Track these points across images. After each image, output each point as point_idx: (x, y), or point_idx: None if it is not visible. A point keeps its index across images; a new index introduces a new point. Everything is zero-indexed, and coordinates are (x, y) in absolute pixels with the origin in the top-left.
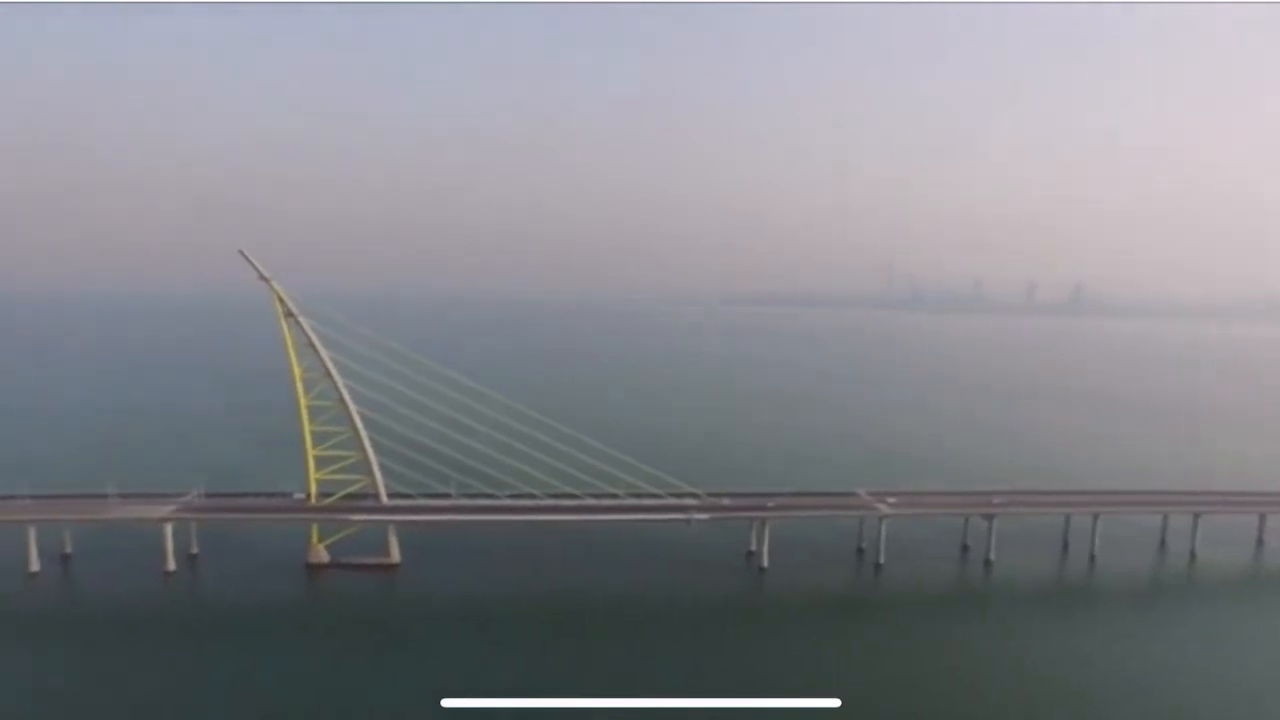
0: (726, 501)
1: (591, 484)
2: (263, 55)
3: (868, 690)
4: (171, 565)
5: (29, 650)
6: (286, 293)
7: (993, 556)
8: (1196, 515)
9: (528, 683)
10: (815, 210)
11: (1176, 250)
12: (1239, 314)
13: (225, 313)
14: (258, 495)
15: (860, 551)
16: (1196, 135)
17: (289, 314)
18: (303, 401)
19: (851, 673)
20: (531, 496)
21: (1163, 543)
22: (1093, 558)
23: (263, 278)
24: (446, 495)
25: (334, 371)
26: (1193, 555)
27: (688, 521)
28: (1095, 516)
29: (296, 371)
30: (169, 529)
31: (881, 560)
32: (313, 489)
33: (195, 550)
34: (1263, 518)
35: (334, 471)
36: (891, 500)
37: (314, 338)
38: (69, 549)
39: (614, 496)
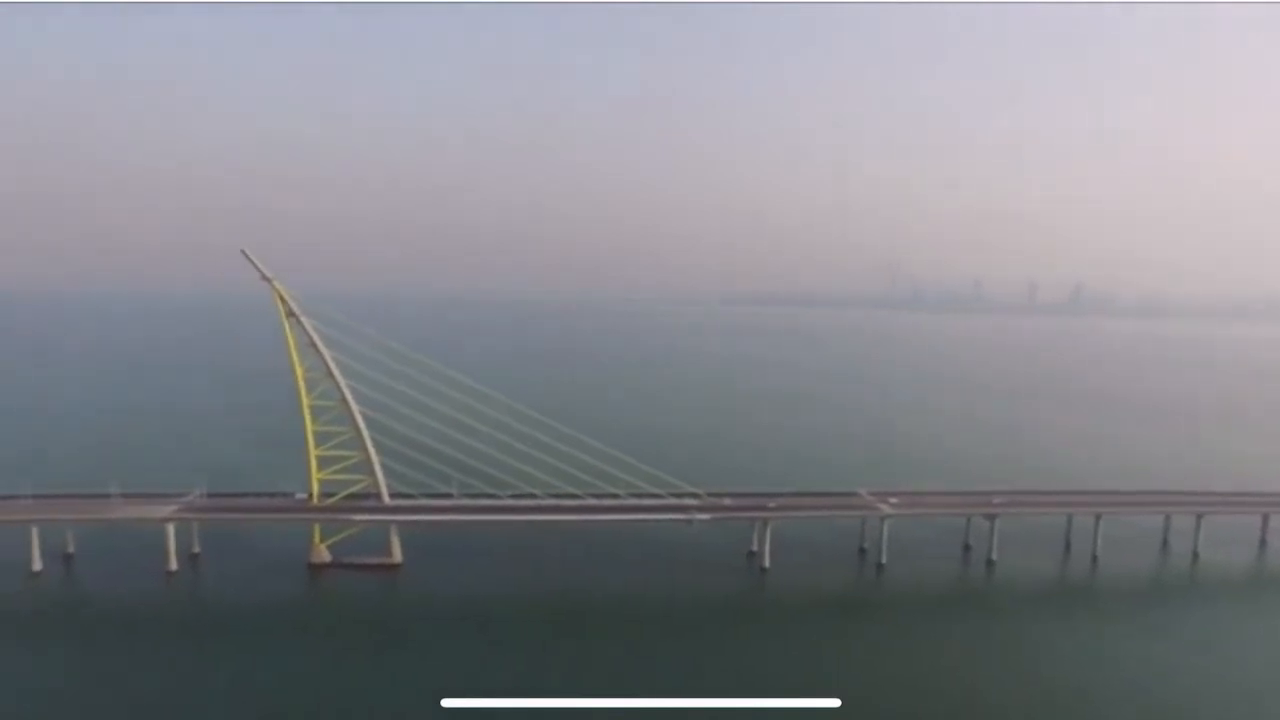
0: (728, 501)
1: (593, 484)
2: (263, 55)
3: (870, 690)
4: (174, 565)
5: (31, 649)
6: (289, 292)
7: (995, 557)
8: (1199, 516)
9: (529, 683)
10: (815, 210)
11: (1177, 250)
12: (1240, 314)
13: (225, 313)
14: (260, 495)
15: (862, 551)
16: (1196, 135)
17: (291, 314)
18: (305, 401)
19: (853, 673)
20: (533, 496)
21: (1165, 543)
22: (1095, 558)
23: (265, 278)
24: (448, 495)
25: (336, 371)
26: (1195, 556)
27: (689, 521)
28: (1097, 517)
29: (299, 371)
30: (171, 529)
31: (883, 560)
32: (315, 489)
33: (197, 550)
34: (1266, 518)
35: (336, 471)
36: (893, 500)
37: (316, 338)
38: (71, 549)
39: (615, 496)
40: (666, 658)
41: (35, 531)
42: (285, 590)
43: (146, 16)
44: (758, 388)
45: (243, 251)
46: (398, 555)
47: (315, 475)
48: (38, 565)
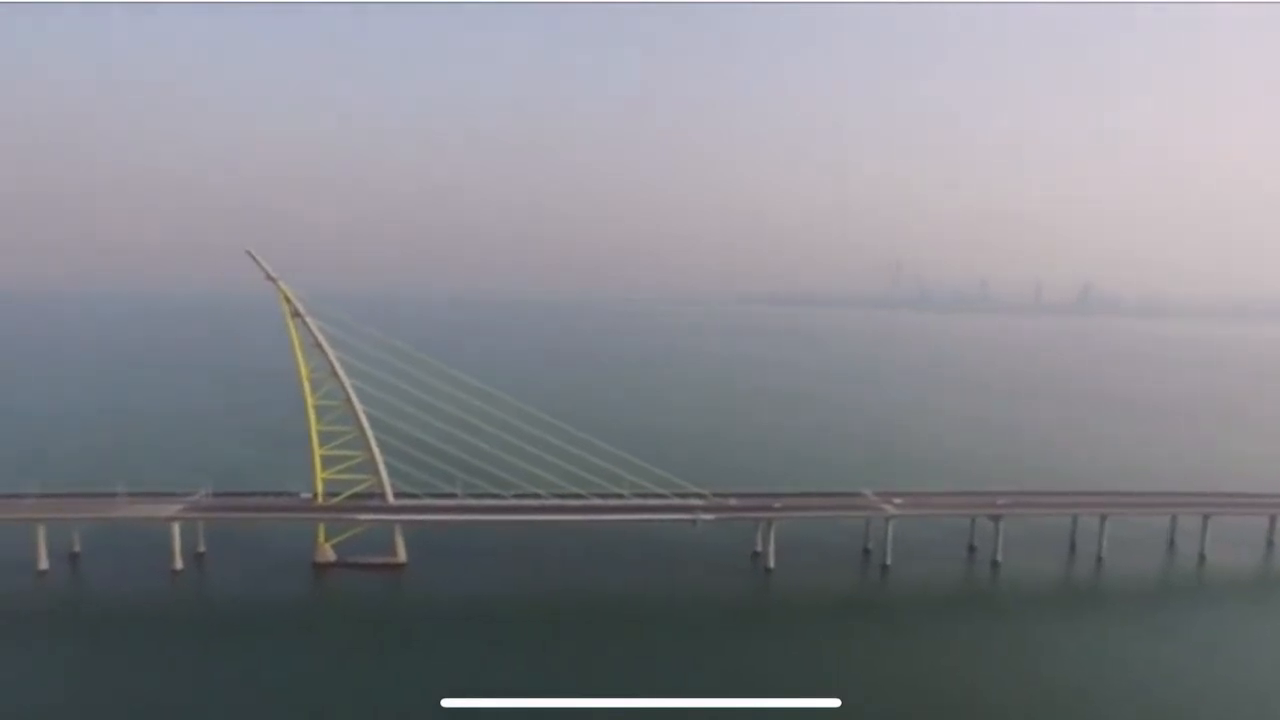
0: (732, 502)
1: (597, 484)
2: (263, 55)
3: (874, 691)
4: (179, 564)
5: (38, 648)
6: (294, 293)
7: (999, 558)
8: (1206, 517)
9: (533, 682)
10: (815, 210)
11: (1177, 250)
12: (1240, 314)
13: (226, 313)
14: (265, 495)
15: (867, 552)
16: (1196, 135)
17: (296, 314)
18: (309, 401)
19: (858, 674)
20: (537, 496)
21: (1171, 544)
22: (1100, 559)
23: (270, 277)
24: (453, 495)
25: (340, 371)
26: (1202, 557)
27: (693, 522)
28: (1103, 518)
29: (303, 371)
30: (176, 528)
31: (888, 561)
32: (319, 488)
33: (203, 549)
34: (1273, 519)
35: (340, 471)
36: (898, 501)
37: (321, 338)
38: (78, 547)
39: (619, 496)
40: (671, 658)
41: (42, 530)
42: (290, 590)
43: (146, 16)
44: (762, 388)
45: (248, 252)
46: (402, 555)
47: (320, 475)
48: (44, 564)
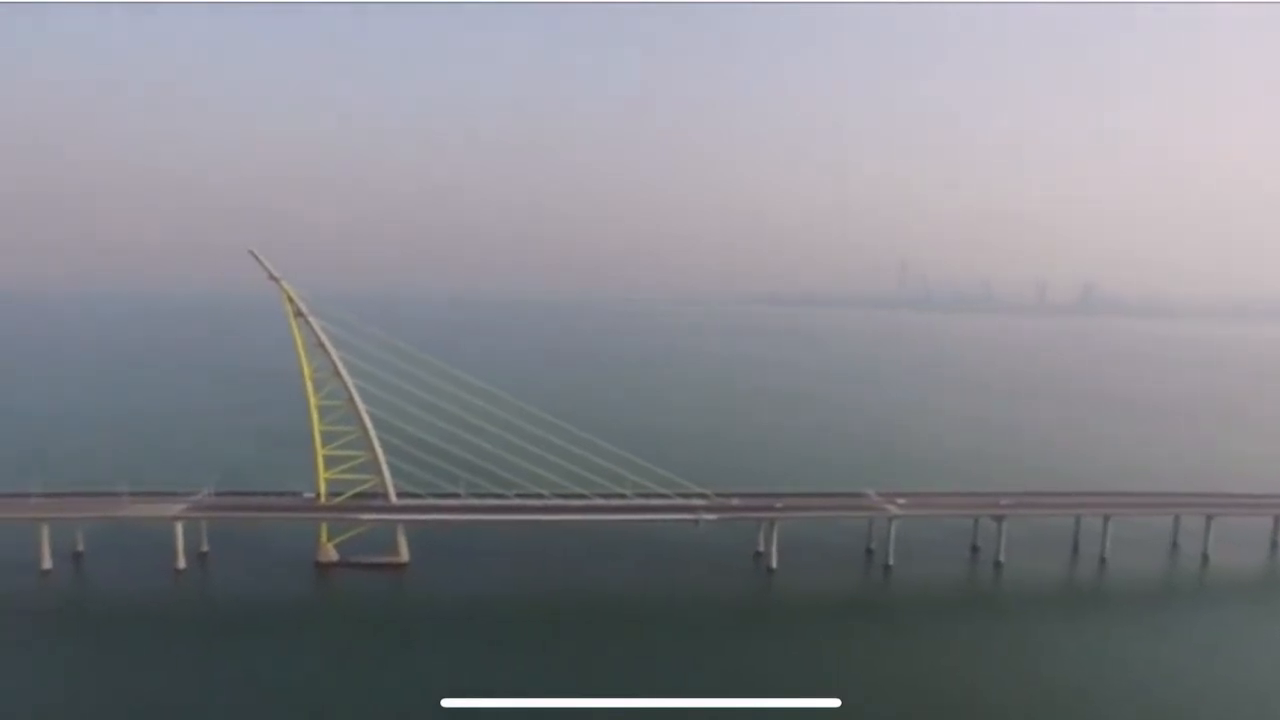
0: (735, 502)
1: (599, 484)
2: (263, 55)
3: (875, 692)
4: (182, 563)
5: (42, 647)
6: (296, 293)
7: (1003, 558)
8: (1209, 517)
9: (535, 682)
10: (815, 210)
11: (1177, 250)
12: (1240, 314)
13: (227, 313)
14: (267, 494)
15: (869, 552)
16: (1196, 135)
17: (299, 314)
18: (312, 401)
19: (861, 674)
20: (540, 496)
21: (1175, 545)
22: (1103, 560)
23: (273, 277)
24: (455, 495)
25: (343, 371)
26: (1205, 558)
27: (696, 522)
28: (1106, 518)
29: (306, 371)
30: (180, 527)
31: (891, 561)
32: (322, 488)
33: (206, 548)
34: (1277, 520)
35: (343, 471)
36: (901, 501)
37: (324, 338)
38: (81, 547)
39: (622, 496)
40: (673, 658)
41: (45, 530)
42: (292, 589)
43: (146, 16)
44: (762, 387)
45: (251, 252)
46: (405, 554)
47: (322, 474)
48: (48, 563)
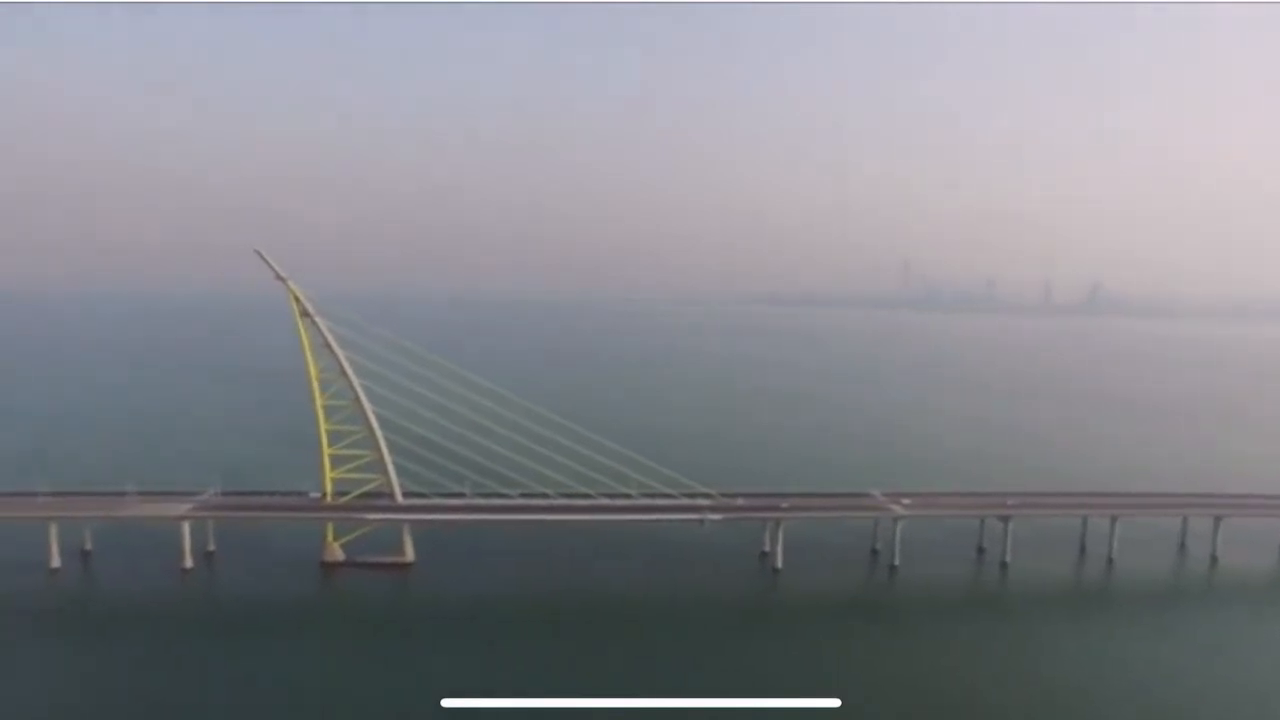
0: (740, 502)
1: (605, 484)
2: (263, 55)
3: (878, 692)
4: (189, 562)
5: (49, 644)
6: (303, 293)
7: (1008, 559)
8: (1218, 519)
9: (539, 682)
10: (816, 210)
11: (1177, 250)
12: (1240, 314)
13: (229, 313)
14: (274, 494)
15: (875, 553)
16: (1196, 135)
17: (305, 314)
18: (318, 401)
19: (865, 675)
20: (545, 496)
21: (1183, 546)
22: (1110, 560)
23: (279, 277)
24: (461, 495)
25: (349, 371)
26: (1214, 559)
27: (701, 522)
28: (1113, 519)
29: (312, 371)
30: (187, 527)
31: (896, 562)
32: (328, 488)
33: (212, 548)
34: None
35: (349, 470)
36: (906, 501)
37: (330, 337)
38: (89, 546)
39: (627, 496)
40: (678, 658)
41: (54, 528)
42: (298, 588)
43: (146, 16)
44: (762, 387)
45: (257, 251)
46: (410, 554)
47: (329, 474)
48: (56, 562)
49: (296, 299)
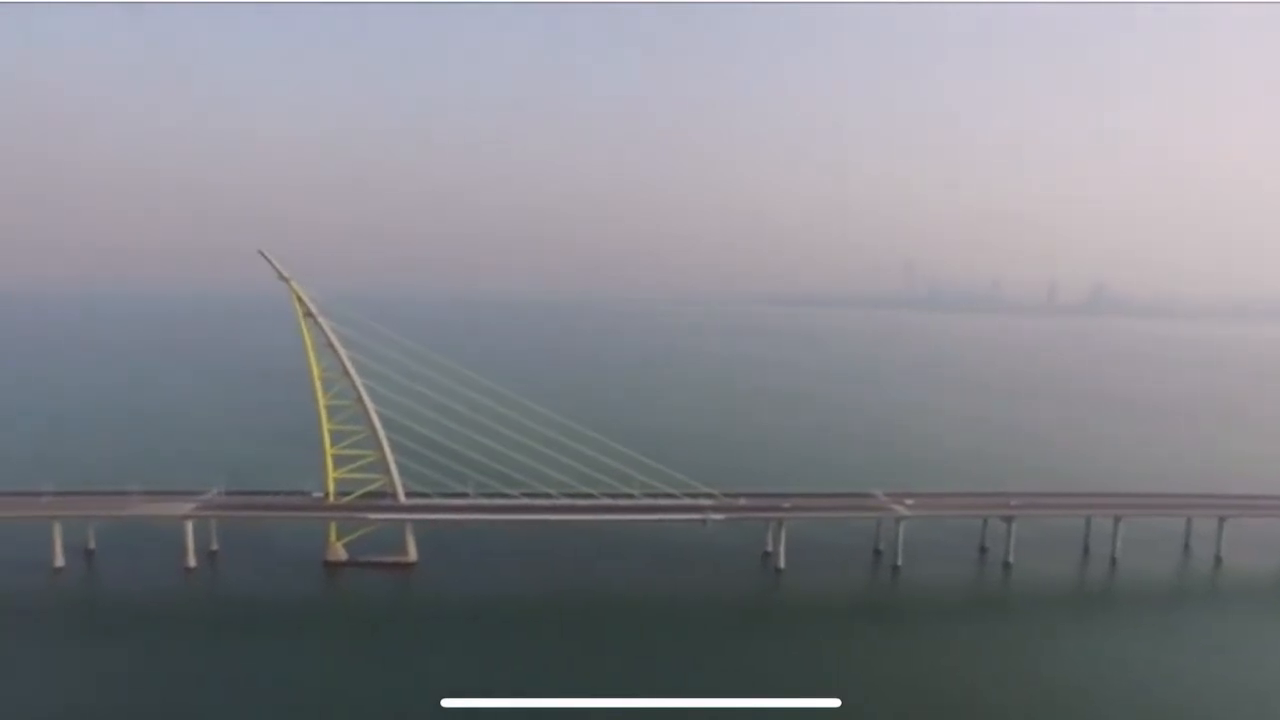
0: (743, 502)
1: (608, 484)
2: (263, 55)
3: (878, 692)
4: (192, 562)
5: (53, 644)
6: (306, 293)
7: (1012, 559)
8: (1222, 519)
9: (540, 682)
10: (816, 210)
11: (1177, 250)
12: (1240, 314)
13: (229, 313)
14: (277, 493)
15: (878, 553)
16: (1196, 135)
17: (308, 314)
18: (321, 400)
19: (866, 675)
20: (548, 496)
21: (1187, 547)
22: (1114, 561)
23: (282, 277)
24: (464, 494)
25: (352, 371)
26: (1218, 560)
27: (704, 522)
28: (1117, 519)
29: (315, 371)
30: (190, 526)
31: (899, 562)
32: (331, 487)
33: (215, 547)
34: None
35: (352, 470)
36: (909, 502)
37: (333, 337)
38: (92, 545)
39: (630, 496)
40: (680, 658)
41: (57, 528)
42: (301, 588)
43: (146, 16)
44: (763, 387)
45: (260, 252)
46: (413, 554)
47: (331, 474)
48: (60, 561)
49: (299, 299)
